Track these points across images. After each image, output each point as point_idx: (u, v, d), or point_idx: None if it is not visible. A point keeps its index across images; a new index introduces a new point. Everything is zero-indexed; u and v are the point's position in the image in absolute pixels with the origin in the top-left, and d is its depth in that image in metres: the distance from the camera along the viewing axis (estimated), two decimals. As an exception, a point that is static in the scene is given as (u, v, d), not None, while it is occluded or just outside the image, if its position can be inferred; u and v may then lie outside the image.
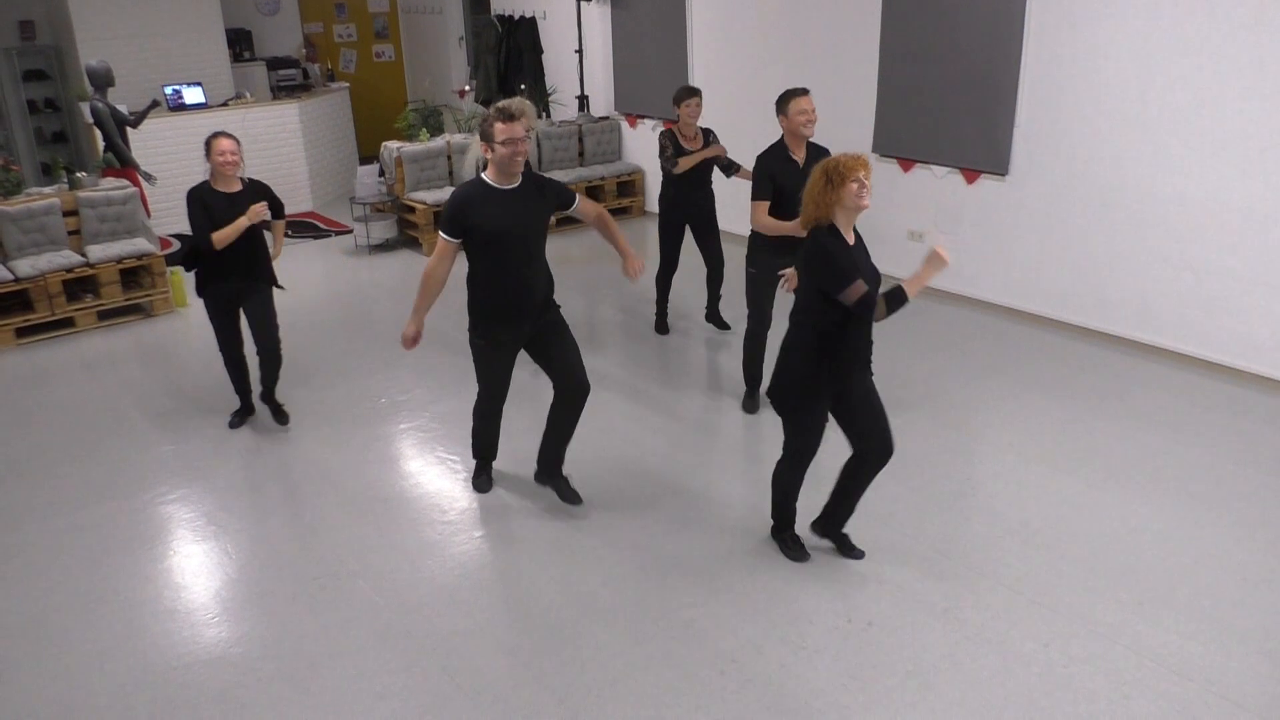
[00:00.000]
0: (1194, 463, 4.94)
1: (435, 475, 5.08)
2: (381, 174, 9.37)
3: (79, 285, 7.33)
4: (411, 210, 9.10)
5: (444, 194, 9.04)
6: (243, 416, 5.68)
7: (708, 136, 6.41)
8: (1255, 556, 4.16)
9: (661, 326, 6.93)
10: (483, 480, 4.90)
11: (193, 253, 5.28)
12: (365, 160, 10.77)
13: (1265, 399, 5.60)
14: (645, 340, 6.83)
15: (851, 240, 3.76)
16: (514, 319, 4.34)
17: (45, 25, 10.76)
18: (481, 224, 4.14)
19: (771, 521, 4.33)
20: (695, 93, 6.34)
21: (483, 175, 4.19)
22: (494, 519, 4.65)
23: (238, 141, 5.20)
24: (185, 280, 7.90)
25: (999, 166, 6.80)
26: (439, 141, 9.30)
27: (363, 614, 3.97)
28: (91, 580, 4.26)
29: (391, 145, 9.29)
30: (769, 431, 5.50)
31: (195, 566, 4.37)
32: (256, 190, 5.30)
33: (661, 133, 6.41)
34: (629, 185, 10.09)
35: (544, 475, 4.81)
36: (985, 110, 6.75)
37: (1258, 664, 3.54)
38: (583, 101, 10.23)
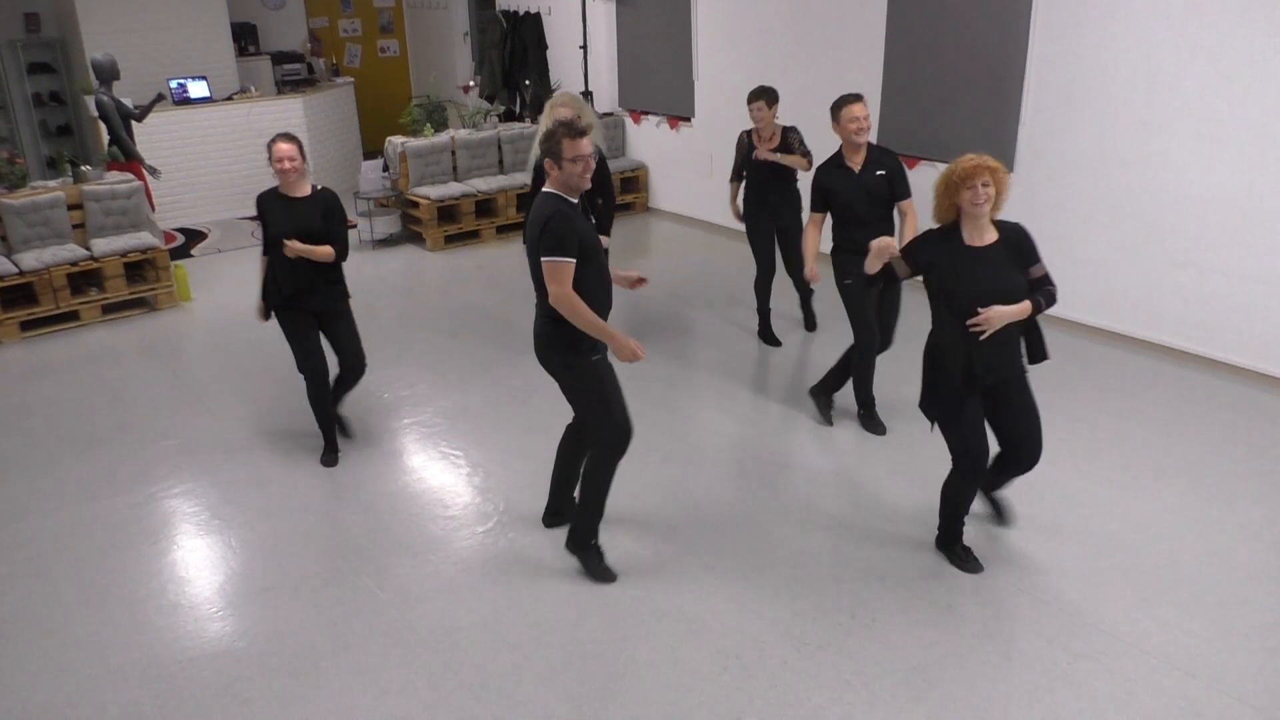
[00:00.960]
0: (1198, 460, 4.93)
1: (438, 470, 5.09)
2: (386, 169, 9.37)
3: (83, 279, 7.34)
4: (415, 205, 9.10)
5: (449, 189, 9.05)
6: (333, 454, 5.20)
7: (788, 136, 6.12)
8: (1259, 554, 4.15)
9: (766, 334, 6.58)
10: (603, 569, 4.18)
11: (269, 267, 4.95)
12: (369, 155, 10.76)
13: (1270, 397, 5.59)
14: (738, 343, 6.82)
15: (984, 241, 3.74)
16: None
17: (51, 18, 10.77)
18: (584, 238, 3.73)
19: (938, 533, 4.20)
20: (757, 95, 6.06)
21: (552, 190, 3.74)
22: (496, 515, 4.65)
23: (298, 144, 4.78)
24: (189, 274, 7.92)
25: (1004, 163, 6.75)
26: (443, 137, 9.29)
27: (366, 609, 3.98)
28: (96, 574, 4.27)
29: (396, 140, 9.29)
30: (773, 426, 5.50)
31: (199, 561, 4.38)
32: (318, 201, 4.85)
33: (741, 133, 6.34)
34: (633, 181, 10.08)
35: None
36: (990, 107, 6.73)
37: (1262, 661, 3.54)
38: (587, 97, 10.22)
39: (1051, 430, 5.25)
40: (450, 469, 5.09)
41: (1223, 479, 4.75)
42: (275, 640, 3.81)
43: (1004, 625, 3.77)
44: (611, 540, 4.38)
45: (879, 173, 4.95)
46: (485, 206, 9.28)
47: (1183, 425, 5.30)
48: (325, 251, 4.82)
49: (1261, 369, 5.77)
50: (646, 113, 9.90)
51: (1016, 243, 3.81)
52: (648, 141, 9.96)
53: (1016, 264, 3.78)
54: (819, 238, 5.15)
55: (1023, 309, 3.71)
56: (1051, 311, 6.91)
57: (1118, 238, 6.28)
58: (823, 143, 5.47)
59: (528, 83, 10.51)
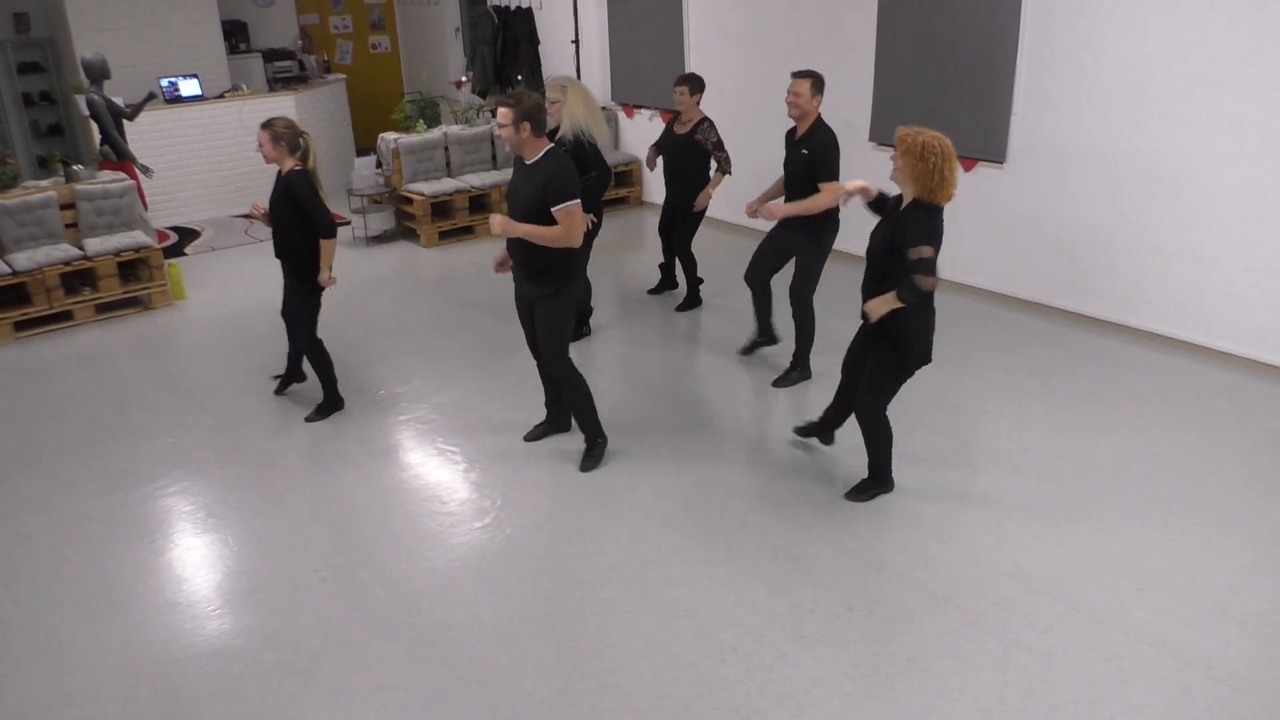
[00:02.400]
0: (1192, 449, 4.95)
1: (435, 466, 5.09)
2: (379, 165, 9.35)
3: (77, 278, 7.32)
4: (409, 202, 9.08)
5: (442, 185, 9.04)
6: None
7: (700, 126, 6.56)
8: (1253, 543, 4.17)
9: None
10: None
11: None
12: (362, 152, 10.74)
13: (1265, 386, 5.60)
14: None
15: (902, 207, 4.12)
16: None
17: (40, 17, 10.72)
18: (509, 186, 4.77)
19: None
20: (679, 80, 6.58)
21: None
22: (493, 510, 4.65)
23: (270, 128, 5.14)
24: (183, 272, 7.91)
25: (996, 154, 6.78)
26: (436, 133, 9.27)
27: (363, 605, 3.98)
28: (93, 573, 4.27)
29: (389, 137, 9.26)
30: (779, 418, 5.51)
31: (196, 559, 4.37)
32: (281, 183, 5.23)
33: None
34: (626, 175, 10.07)
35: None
36: (982, 98, 6.73)
37: (1256, 649, 3.55)
38: (580, 92, 10.20)
39: (1044, 420, 5.29)
40: (446, 465, 5.09)
41: (1218, 468, 4.77)
42: (272, 638, 3.81)
43: (1000, 616, 3.78)
44: (608, 535, 4.39)
45: (803, 151, 5.35)
46: (479, 202, 9.27)
47: (1178, 415, 5.31)
48: (326, 261, 5.30)
49: (1257, 357, 5.78)
50: (639, 107, 9.89)
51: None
52: (641, 135, 9.93)
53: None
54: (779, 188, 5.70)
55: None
56: (1046, 300, 6.96)
57: (1110, 227, 6.29)
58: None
59: (520, 78, 10.48)
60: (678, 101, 6.60)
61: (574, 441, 5.12)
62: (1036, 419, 5.31)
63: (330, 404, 5.63)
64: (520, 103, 4.40)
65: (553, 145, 4.55)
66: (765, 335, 6.15)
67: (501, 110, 4.41)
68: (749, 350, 6.20)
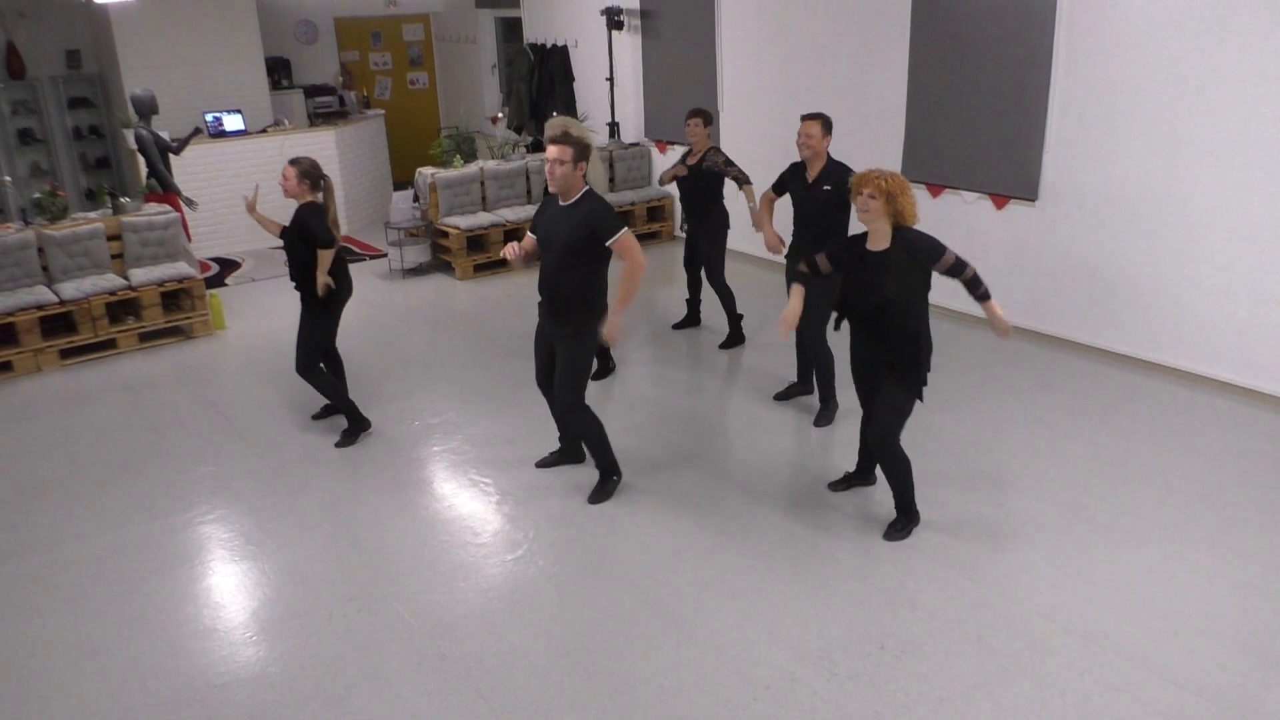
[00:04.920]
0: (1232, 490, 4.89)
1: (468, 498, 5.14)
2: (416, 199, 9.51)
3: (121, 308, 7.50)
4: (445, 235, 9.22)
5: (478, 219, 9.17)
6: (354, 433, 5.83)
7: (709, 155, 6.74)
8: (1294, 587, 4.11)
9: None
10: None
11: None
12: (399, 186, 10.93)
13: (1303, 427, 5.54)
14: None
15: (880, 247, 4.23)
16: None
17: (91, 54, 11.06)
18: (541, 225, 4.84)
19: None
20: (692, 114, 6.77)
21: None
22: (526, 542, 4.68)
23: (297, 165, 5.38)
24: (224, 303, 8.07)
25: (1029, 192, 6.80)
26: (472, 168, 9.43)
27: (398, 636, 4.02)
28: (132, 599, 4.34)
29: (426, 171, 9.43)
30: (810, 454, 5.51)
31: (233, 586, 4.44)
32: (293, 221, 5.50)
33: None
34: (659, 210, 10.17)
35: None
36: (1014, 135, 6.76)
37: (1298, 696, 3.50)
38: (613, 128, 10.34)
39: (1078, 459, 5.25)
40: (480, 496, 5.14)
41: (1258, 510, 4.70)
42: (308, 666, 3.86)
43: (1035, 657, 3.75)
44: (640, 570, 4.40)
45: (825, 188, 5.45)
46: (514, 236, 9.39)
47: (1217, 454, 5.25)
48: (322, 268, 5.44)
49: (1294, 398, 5.72)
50: (672, 143, 10.00)
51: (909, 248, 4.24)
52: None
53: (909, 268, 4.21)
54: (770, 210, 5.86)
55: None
56: (1079, 338, 6.93)
57: (1144, 265, 6.26)
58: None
59: (555, 114, 10.64)
60: (691, 133, 6.75)
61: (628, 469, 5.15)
62: (1070, 457, 5.28)
63: (355, 425, 5.75)
64: (576, 142, 4.55)
65: (590, 187, 4.66)
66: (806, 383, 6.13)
67: (559, 148, 4.52)
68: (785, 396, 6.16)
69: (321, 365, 5.69)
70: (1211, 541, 4.46)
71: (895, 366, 4.32)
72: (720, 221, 6.84)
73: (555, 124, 6.95)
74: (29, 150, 10.90)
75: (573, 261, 4.60)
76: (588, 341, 4.76)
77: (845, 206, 5.35)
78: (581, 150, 4.55)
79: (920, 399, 4.38)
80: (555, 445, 5.41)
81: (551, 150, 4.55)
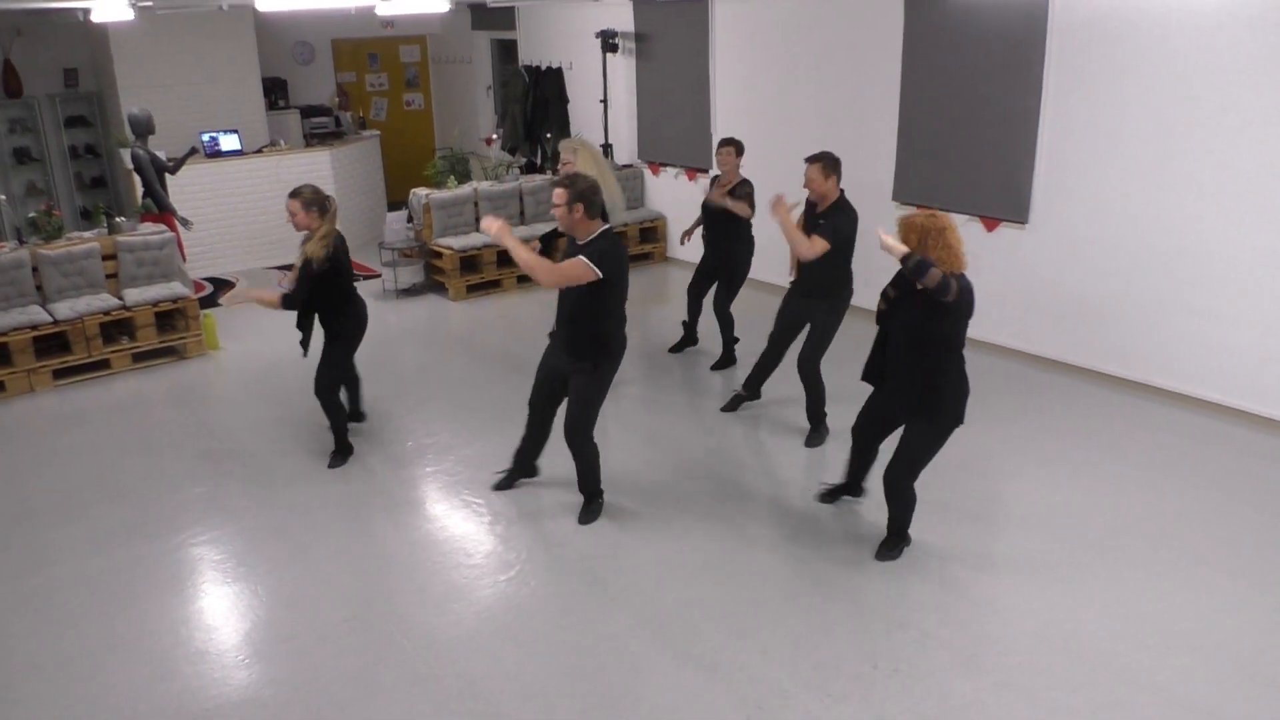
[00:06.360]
0: (1219, 509, 4.92)
1: (461, 519, 5.14)
2: (410, 220, 9.54)
3: (115, 328, 7.50)
4: (438, 256, 9.25)
5: (471, 240, 9.20)
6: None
7: (740, 187, 6.60)
8: (1283, 607, 4.14)
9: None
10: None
11: None
12: (394, 206, 10.96)
13: (1292, 447, 5.58)
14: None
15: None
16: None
17: (88, 73, 11.09)
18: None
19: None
20: (725, 143, 6.68)
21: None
22: (519, 563, 4.69)
23: (300, 198, 5.30)
24: (217, 323, 8.08)
25: (1019, 214, 6.86)
26: (466, 189, 9.47)
27: (390, 657, 4.02)
28: (124, 621, 4.33)
29: (420, 192, 9.47)
30: (801, 476, 5.53)
31: (225, 608, 4.43)
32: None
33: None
34: (651, 231, 10.22)
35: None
36: (1005, 159, 6.83)
37: (1287, 716, 3.52)
38: (607, 150, 10.40)
39: (1069, 479, 5.28)
40: (472, 517, 5.14)
41: (1246, 529, 4.74)
42: (301, 688, 3.85)
43: (1026, 675, 3.76)
44: (633, 589, 4.41)
45: (820, 223, 5.44)
46: (507, 257, 9.36)
47: (1204, 475, 5.29)
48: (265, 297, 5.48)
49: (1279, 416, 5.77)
50: (665, 165, 10.06)
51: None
52: (666, 193, 10.11)
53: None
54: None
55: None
56: (1069, 359, 6.98)
57: (1132, 287, 6.32)
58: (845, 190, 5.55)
59: (549, 136, 10.71)
60: (723, 163, 6.65)
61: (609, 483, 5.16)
62: (1061, 477, 5.31)
63: (340, 450, 5.78)
64: (575, 184, 4.53)
65: (608, 227, 4.64)
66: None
67: (557, 191, 4.55)
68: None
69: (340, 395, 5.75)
70: (1202, 560, 4.48)
71: (916, 411, 4.32)
72: (745, 254, 6.76)
73: (567, 144, 6.73)
74: (25, 169, 10.92)
75: (587, 301, 4.62)
76: (605, 376, 4.80)
77: (823, 234, 5.33)
78: (579, 194, 4.49)
79: (933, 451, 4.39)
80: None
81: (555, 193, 4.57)
